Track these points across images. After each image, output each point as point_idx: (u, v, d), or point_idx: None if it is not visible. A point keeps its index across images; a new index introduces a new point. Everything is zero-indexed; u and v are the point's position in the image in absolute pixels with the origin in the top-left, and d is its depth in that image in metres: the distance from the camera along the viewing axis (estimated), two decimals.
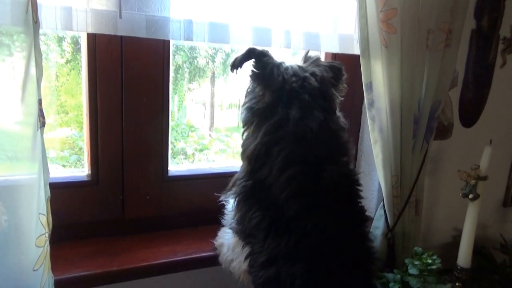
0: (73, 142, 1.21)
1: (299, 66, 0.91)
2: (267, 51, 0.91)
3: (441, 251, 1.48)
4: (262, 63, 0.89)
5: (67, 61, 1.15)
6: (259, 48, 0.91)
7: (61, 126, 1.20)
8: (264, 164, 0.88)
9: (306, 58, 0.96)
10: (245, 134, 0.93)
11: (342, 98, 0.98)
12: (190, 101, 1.48)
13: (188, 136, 1.50)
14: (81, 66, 1.03)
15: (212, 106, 1.51)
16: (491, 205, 1.65)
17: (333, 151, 0.91)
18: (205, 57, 1.41)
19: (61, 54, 1.14)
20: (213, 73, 1.46)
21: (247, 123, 0.92)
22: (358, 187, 0.95)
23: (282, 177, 0.86)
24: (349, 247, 0.89)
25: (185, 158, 1.44)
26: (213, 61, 1.44)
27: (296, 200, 0.85)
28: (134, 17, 0.89)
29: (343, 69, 0.97)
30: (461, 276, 1.17)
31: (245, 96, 0.94)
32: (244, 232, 0.92)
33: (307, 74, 0.89)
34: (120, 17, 0.86)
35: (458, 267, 1.17)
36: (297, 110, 0.85)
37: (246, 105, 0.92)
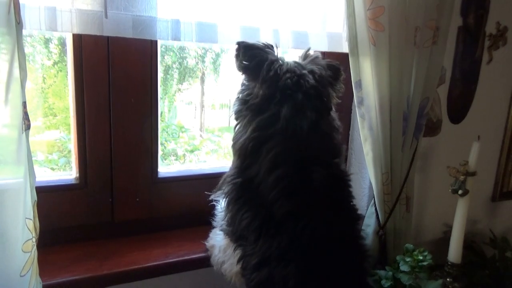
0: (62, 144, 1.19)
1: (297, 63, 0.90)
2: (261, 45, 0.89)
3: (432, 246, 1.49)
4: (249, 56, 0.88)
5: (54, 63, 1.13)
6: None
7: (49, 128, 1.18)
8: (254, 162, 0.87)
9: (305, 56, 0.95)
10: (237, 126, 0.92)
11: (340, 100, 0.97)
12: (180, 102, 1.47)
13: (178, 137, 1.49)
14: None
15: (202, 106, 1.50)
16: (480, 200, 1.67)
17: (323, 153, 0.89)
18: (195, 57, 1.41)
19: (47, 56, 1.12)
20: (203, 73, 1.45)
21: (239, 116, 0.91)
22: (349, 188, 0.94)
23: (271, 177, 0.85)
24: (342, 246, 0.88)
25: (176, 159, 1.43)
26: (203, 61, 1.43)
27: (284, 202, 0.84)
28: (120, 17, 0.88)
29: (342, 69, 0.97)
30: (452, 271, 1.18)
31: (240, 88, 0.93)
32: (235, 233, 0.91)
33: (305, 71, 0.88)
34: (106, 17, 0.85)
35: (449, 263, 1.18)
36: (289, 109, 0.84)
37: (239, 96, 0.91)
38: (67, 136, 1.18)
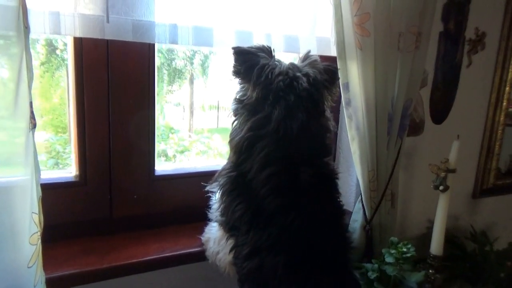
0: (50, 146, 1.20)
1: (293, 65, 0.94)
2: (253, 50, 0.93)
3: (416, 242, 1.54)
4: (241, 60, 0.92)
5: (41, 63, 1.13)
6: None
7: (36, 130, 1.18)
8: (248, 158, 0.92)
9: (305, 58, 0.99)
10: (234, 123, 0.96)
11: (334, 104, 1.02)
12: (169, 103, 1.50)
13: (168, 138, 1.51)
14: (55, 69, 1.06)
15: (191, 107, 1.52)
16: (462, 197, 1.74)
17: (312, 153, 0.94)
18: (183, 59, 1.42)
19: (34, 56, 1.13)
20: (192, 74, 1.47)
21: (236, 114, 0.96)
22: (336, 186, 0.99)
23: (262, 174, 0.90)
24: (327, 238, 0.94)
25: (166, 160, 1.46)
26: (192, 63, 1.45)
27: (274, 198, 0.89)
28: (120, 21, 0.92)
29: (338, 73, 1.02)
30: (434, 263, 1.24)
31: (238, 89, 0.97)
32: (228, 224, 0.96)
33: (299, 74, 0.91)
34: (108, 21, 0.89)
35: (431, 255, 1.24)
36: (281, 110, 0.88)
37: (236, 97, 0.96)
38: (54, 137, 1.18)
